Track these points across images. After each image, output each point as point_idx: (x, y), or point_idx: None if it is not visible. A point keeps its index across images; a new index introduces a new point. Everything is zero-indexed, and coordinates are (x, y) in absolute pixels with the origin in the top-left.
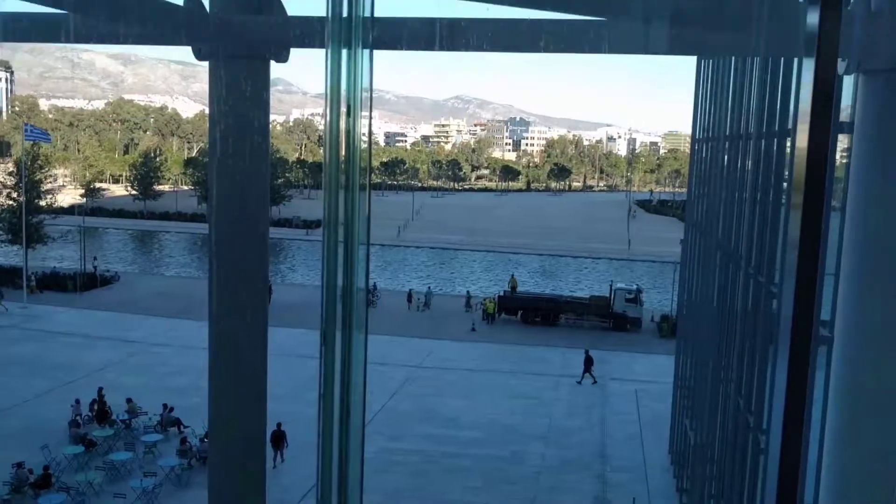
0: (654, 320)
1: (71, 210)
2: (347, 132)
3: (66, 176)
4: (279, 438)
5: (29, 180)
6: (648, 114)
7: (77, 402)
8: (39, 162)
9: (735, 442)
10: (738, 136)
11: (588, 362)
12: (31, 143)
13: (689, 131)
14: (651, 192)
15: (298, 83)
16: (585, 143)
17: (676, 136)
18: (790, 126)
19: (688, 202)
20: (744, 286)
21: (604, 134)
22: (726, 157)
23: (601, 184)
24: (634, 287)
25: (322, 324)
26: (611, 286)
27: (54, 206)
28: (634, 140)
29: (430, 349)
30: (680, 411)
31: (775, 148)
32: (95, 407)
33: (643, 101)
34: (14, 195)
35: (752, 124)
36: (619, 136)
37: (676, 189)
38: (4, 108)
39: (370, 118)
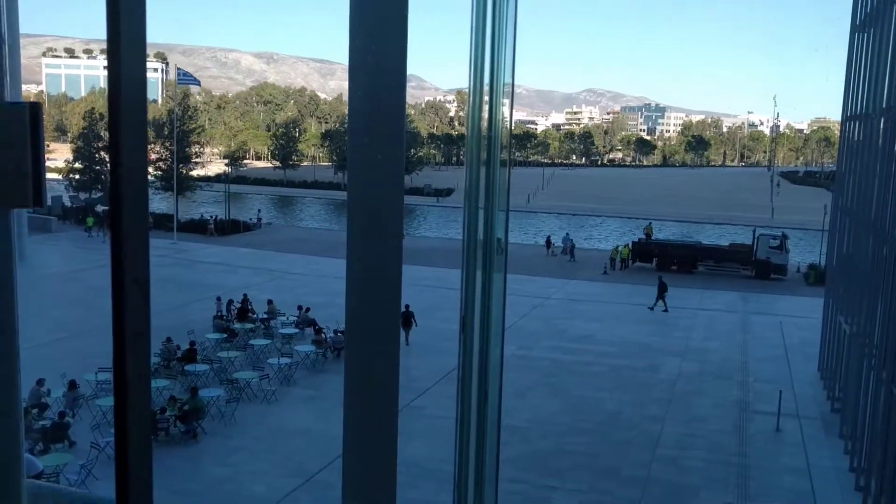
0: (799, 271)
1: (217, 178)
2: (489, 110)
3: (213, 154)
4: (407, 319)
5: (180, 131)
6: (793, 103)
7: (218, 298)
8: (189, 113)
9: None
10: None
11: (662, 289)
12: (182, 102)
13: (838, 117)
14: (772, 164)
15: (432, 80)
16: (725, 129)
17: (825, 122)
18: None
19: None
20: None
21: (745, 120)
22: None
23: (741, 163)
24: (780, 234)
25: (463, 263)
26: (754, 233)
27: (203, 156)
28: (778, 126)
29: (560, 286)
30: (832, 313)
31: None
32: (234, 306)
33: (788, 90)
34: (167, 144)
35: None
36: (762, 123)
37: (826, 162)
38: (160, 97)
39: (511, 95)
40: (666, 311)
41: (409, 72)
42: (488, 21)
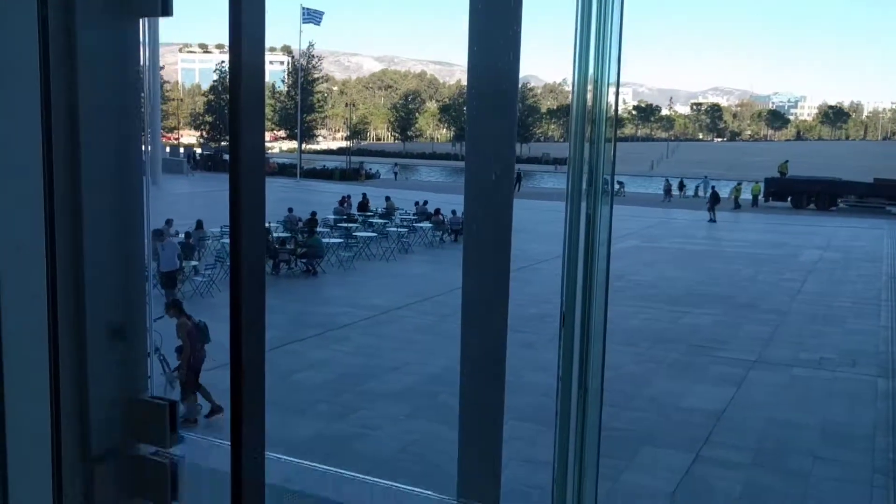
0: None
1: (340, 151)
2: (593, 100)
3: (335, 138)
4: None
5: (305, 80)
6: None
7: (344, 198)
8: (313, 63)
9: None
10: None
11: (714, 199)
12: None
13: None
14: None
15: (549, 78)
16: (865, 115)
17: None
18: None
19: None
20: None
21: (889, 106)
22: None
23: (883, 140)
24: None
25: (567, 195)
26: None
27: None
28: None
29: (686, 214)
30: None
31: None
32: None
33: None
34: (292, 94)
35: None
36: None
37: None
38: (285, 85)
39: (617, 84)
40: (714, 220)
41: (525, 72)
42: (593, 17)
